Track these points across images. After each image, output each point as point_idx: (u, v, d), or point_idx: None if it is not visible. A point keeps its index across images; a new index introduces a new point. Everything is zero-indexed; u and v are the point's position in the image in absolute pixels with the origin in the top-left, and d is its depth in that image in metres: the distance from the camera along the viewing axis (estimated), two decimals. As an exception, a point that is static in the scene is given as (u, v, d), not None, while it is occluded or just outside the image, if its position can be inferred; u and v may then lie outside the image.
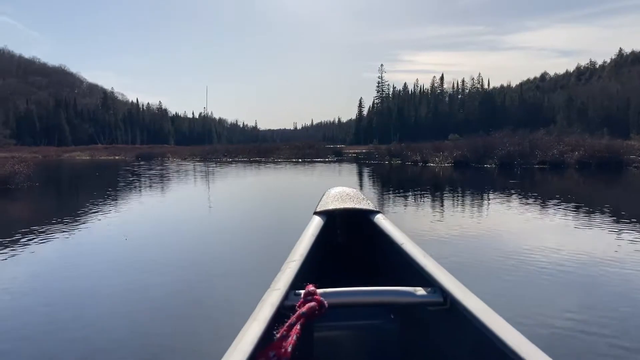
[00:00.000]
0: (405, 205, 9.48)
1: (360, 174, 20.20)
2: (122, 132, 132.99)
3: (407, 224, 7.12)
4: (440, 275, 1.43)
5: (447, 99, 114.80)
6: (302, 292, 1.26)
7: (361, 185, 14.35)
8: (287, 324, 1.09)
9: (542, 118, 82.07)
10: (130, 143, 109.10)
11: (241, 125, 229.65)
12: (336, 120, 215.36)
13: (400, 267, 1.75)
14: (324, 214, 2.24)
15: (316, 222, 2.09)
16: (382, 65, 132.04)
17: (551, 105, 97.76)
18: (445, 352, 1.43)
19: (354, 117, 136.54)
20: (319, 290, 1.27)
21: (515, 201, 10.05)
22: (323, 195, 2.52)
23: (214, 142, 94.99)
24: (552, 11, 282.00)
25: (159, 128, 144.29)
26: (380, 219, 2.14)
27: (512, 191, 11.98)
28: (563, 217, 7.69)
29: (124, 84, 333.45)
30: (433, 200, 10.45)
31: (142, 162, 35.05)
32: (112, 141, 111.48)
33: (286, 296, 1.32)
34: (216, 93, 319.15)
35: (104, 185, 16.44)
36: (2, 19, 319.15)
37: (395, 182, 16.23)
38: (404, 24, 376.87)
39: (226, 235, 6.81)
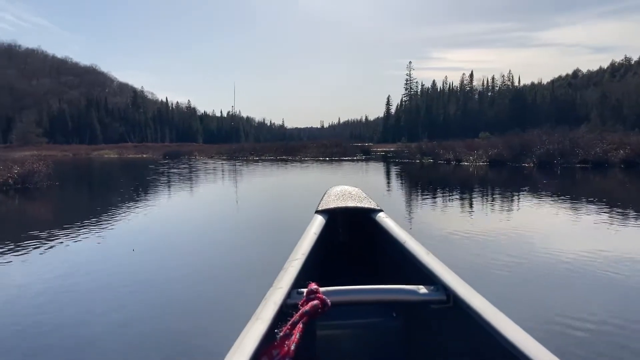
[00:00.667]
0: (441, 207, 8.63)
1: (389, 174, 19.33)
2: (152, 130, 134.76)
3: (443, 227, 6.33)
4: (443, 273, 1.42)
5: (476, 96, 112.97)
6: (305, 290, 1.25)
7: (388, 185, 13.54)
8: (290, 322, 1.11)
9: (574, 115, 79.72)
10: (160, 141, 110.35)
11: (268, 124, 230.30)
12: (363, 118, 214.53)
13: (402, 265, 1.75)
14: (326, 212, 2.23)
15: (318, 221, 2.08)
16: (410, 62, 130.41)
17: (584, 103, 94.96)
18: (449, 350, 1.42)
19: (381, 115, 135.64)
20: (322, 289, 1.26)
21: (559, 202, 9.11)
22: (325, 194, 2.51)
23: (241, 141, 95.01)
24: (584, 6, 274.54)
25: (187, 127, 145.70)
26: (382, 218, 2.13)
27: (555, 192, 11.00)
28: (608, 220, 6.94)
29: (153, 83, 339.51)
30: (470, 201, 9.57)
31: (168, 161, 34.86)
32: (142, 139, 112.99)
33: (289, 295, 1.32)
34: (244, 92, 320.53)
35: (122, 185, 16.02)
36: (36, 20, 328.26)
37: (427, 181, 15.31)
38: (433, 21, 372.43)
39: (245, 234, 6.35)
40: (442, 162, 25.91)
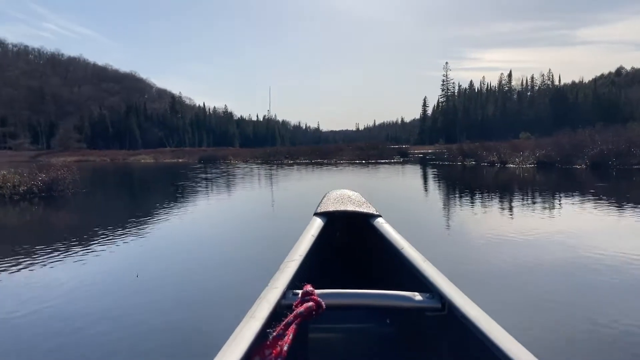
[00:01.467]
0: (492, 214, 7.58)
1: (430, 177, 18.22)
2: (190, 135, 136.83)
3: (497, 234, 5.32)
4: (439, 281, 1.43)
5: (515, 96, 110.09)
6: (300, 291, 1.27)
7: (426, 189, 12.49)
8: (283, 322, 1.11)
9: (619, 114, 75.98)
10: (197, 146, 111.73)
11: (304, 127, 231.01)
12: (399, 120, 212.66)
13: (399, 271, 1.75)
14: (324, 215, 2.22)
15: (316, 223, 2.08)
16: (447, 63, 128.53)
17: (629, 101, 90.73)
18: (442, 358, 1.42)
19: (417, 116, 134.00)
20: (317, 291, 1.27)
21: (622, 208, 7.90)
22: (324, 197, 2.51)
23: (277, 144, 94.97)
24: (628, 3, 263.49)
25: (224, 131, 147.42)
26: (380, 223, 2.13)
27: (613, 195, 9.78)
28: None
29: (191, 89, 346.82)
30: (522, 207, 8.45)
31: (202, 165, 34.59)
32: (180, 144, 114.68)
33: (284, 295, 1.33)
34: (280, 96, 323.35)
35: (148, 191, 15.52)
36: (79, 29, 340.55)
37: (472, 185, 14.16)
38: (469, 21, 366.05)
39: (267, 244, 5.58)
40: (485, 164, 24.57)
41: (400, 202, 10.03)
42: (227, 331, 1.06)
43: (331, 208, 2.29)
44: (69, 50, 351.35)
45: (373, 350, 1.84)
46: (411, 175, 19.22)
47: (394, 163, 30.46)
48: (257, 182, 16.90)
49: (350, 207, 2.29)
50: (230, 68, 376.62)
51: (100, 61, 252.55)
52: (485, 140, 33.12)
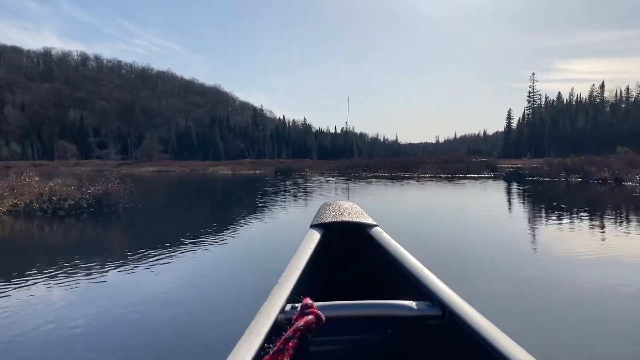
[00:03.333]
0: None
1: (541, 197, 15.46)
2: (269, 147, 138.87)
3: None
4: (439, 288, 1.42)
5: (608, 108, 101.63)
6: (299, 305, 1.25)
7: (548, 215, 9.97)
8: (283, 337, 1.09)
9: None
10: (277, 157, 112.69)
11: (381, 139, 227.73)
12: (481, 132, 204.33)
13: (398, 280, 1.74)
14: (321, 227, 2.21)
15: (313, 235, 2.07)
16: (533, 74, 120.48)
17: None
18: None
19: (501, 129, 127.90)
20: (316, 304, 1.26)
21: None
22: (320, 208, 2.49)
23: (354, 156, 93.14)
24: None
25: (302, 143, 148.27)
26: (377, 232, 2.13)
27: None
28: None
29: (272, 102, 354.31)
30: None
31: (278, 177, 33.33)
32: (260, 155, 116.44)
33: (283, 309, 1.32)
34: (358, 108, 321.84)
35: (210, 206, 14.05)
36: (168, 45, 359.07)
37: (604, 209, 11.40)
38: (556, 30, 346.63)
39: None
40: (594, 181, 21.19)
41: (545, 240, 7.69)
42: (229, 348, 1.03)
43: (328, 219, 2.26)
44: (158, 64, 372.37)
45: None
46: (516, 195, 16.49)
47: (484, 178, 27.48)
48: (329, 197, 14.98)
49: (346, 218, 2.26)
50: (310, 81, 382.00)
51: (187, 75, 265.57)
52: (576, 154, 29.41)
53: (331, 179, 29.01)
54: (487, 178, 27.44)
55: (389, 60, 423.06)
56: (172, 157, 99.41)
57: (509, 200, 14.18)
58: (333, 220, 2.24)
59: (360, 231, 2.23)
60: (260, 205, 12.91)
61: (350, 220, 2.25)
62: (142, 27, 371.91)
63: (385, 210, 11.29)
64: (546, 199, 14.44)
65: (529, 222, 9.08)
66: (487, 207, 12.35)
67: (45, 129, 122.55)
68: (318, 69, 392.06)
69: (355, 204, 2.52)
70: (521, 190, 17.94)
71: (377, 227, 2.21)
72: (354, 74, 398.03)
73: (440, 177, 28.44)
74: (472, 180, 24.80)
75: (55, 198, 9.80)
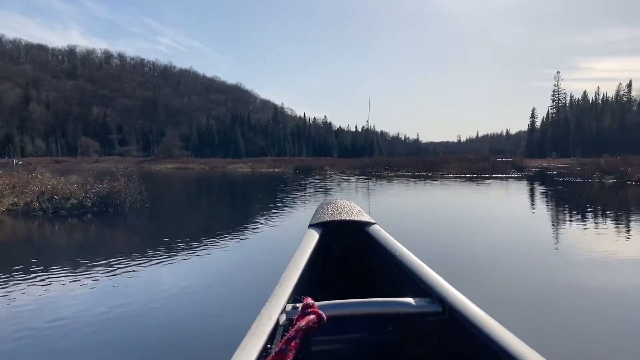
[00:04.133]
0: None
1: (577, 200, 14.41)
2: (290, 145, 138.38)
3: None
4: (438, 285, 1.42)
5: (635, 107, 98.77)
6: (300, 305, 1.24)
7: (593, 219, 9.00)
8: (285, 337, 1.09)
9: None
10: (297, 155, 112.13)
11: (402, 138, 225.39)
12: (504, 131, 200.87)
13: (398, 277, 1.75)
14: (320, 226, 2.20)
15: (312, 235, 2.06)
16: (558, 72, 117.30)
17: None
18: None
19: (524, 128, 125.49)
20: (317, 303, 1.25)
21: None
22: (318, 207, 2.49)
23: (375, 155, 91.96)
24: None
25: (323, 141, 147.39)
26: (376, 230, 2.12)
27: None
28: None
29: (293, 100, 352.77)
30: None
31: (297, 175, 32.60)
32: (280, 153, 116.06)
33: (284, 310, 1.32)
34: (379, 106, 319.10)
35: (222, 206, 13.34)
36: (190, 43, 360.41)
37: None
38: (580, 29, 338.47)
39: None
40: (632, 182, 19.94)
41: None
42: (231, 349, 1.03)
43: (326, 218, 2.24)
44: (181, 62, 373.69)
45: (377, 359, 1.80)
46: (553, 198, 15.43)
47: (512, 178, 26.31)
48: (350, 197, 14.15)
49: (345, 217, 2.25)
50: (332, 80, 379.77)
51: (209, 73, 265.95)
52: (603, 154, 28.21)
53: (351, 178, 28.16)
54: (515, 178, 26.24)
55: (411, 58, 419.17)
56: (193, 155, 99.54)
57: (547, 204, 13.16)
58: (331, 219, 2.23)
59: (358, 229, 2.23)
60: (272, 205, 12.16)
61: (349, 218, 2.23)
62: (165, 25, 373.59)
63: (416, 216, 10.43)
64: (586, 202, 13.38)
65: (580, 229, 8.14)
66: (527, 214, 11.39)
67: (70, 126, 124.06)
68: (339, 68, 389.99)
69: (353, 203, 2.50)
70: (555, 192, 16.85)
71: (376, 224, 2.20)
72: (375, 73, 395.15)
73: (466, 177, 27.34)
74: (499, 181, 23.70)
75: (57, 197, 9.17)
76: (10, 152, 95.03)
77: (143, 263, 5.22)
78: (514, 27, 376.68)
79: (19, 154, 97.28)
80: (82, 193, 9.42)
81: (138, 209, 10.01)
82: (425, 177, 27.23)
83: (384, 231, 2.09)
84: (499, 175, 29.48)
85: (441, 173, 31.56)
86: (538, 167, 42.88)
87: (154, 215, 9.90)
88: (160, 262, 5.24)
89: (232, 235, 7.16)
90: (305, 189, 18.61)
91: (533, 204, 12.81)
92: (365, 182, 23.08)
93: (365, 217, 2.28)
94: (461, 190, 17.99)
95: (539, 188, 19.05)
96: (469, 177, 26.93)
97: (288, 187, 19.38)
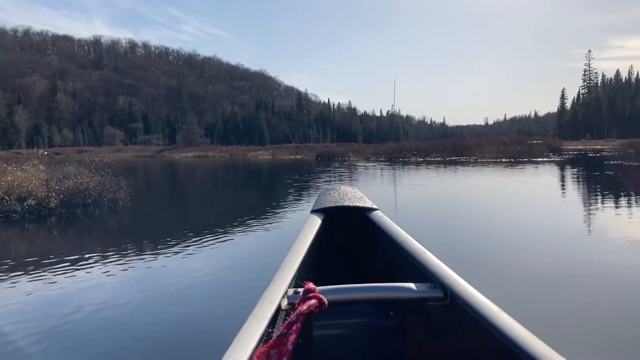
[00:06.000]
0: None
1: None
2: (314, 131, 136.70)
3: None
4: (440, 270, 1.42)
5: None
6: (302, 290, 1.26)
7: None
8: (287, 322, 1.10)
9: None
10: (321, 141, 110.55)
11: (428, 122, 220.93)
12: (532, 114, 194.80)
13: (399, 263, 1.76)
14: (322, 212, 2.20)
15: (314, 221, 2.06)
16: (589, 51, 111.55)
17: None
18: (447, 347, 1.42)
19: (552, 110, 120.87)
20: (319, 288, 1.26)
21: None
22: (320, 194, 2.51)
23: (400, 140, 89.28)
24: None
25: (347, 127, 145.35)
26: (378, 216, 2.12)
27: None
28: None
29: (317, 86, 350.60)
30: None
31: (320, 163, 30.75)
32: (305, 140, 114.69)
33: (286, 294, 1.32)
34: (404, 90, 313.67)
35: (219, 205, 11.54)
36: (213, 31, 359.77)
37: None
38: (611, 6, 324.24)
39: None
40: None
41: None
42: (233, 333, 1.03)
43: (328, 204, 2.25)
44: (205, 50, 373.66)
45: (378, 344, 1.83)
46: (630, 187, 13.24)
47: (552, 162, 23.91)
48: (376, 190, 12.18)
49: (347, 202, 2.25)
50: (356, 64, 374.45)
51: (233, 61, 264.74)
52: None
53: (378, 165, 26.04)
54: (557, 163, 23.82)
55: (436, 40, 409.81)
56: (218, 142, 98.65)
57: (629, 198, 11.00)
58: (333, 205, 2.23)
59: (361, 215, 2.23)
60: (276, 204, 10.33)
61: (351, 204, 2.23)
62: (188, 14, 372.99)
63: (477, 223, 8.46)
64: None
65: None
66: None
67: (96, 116, 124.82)
68: (363, 52, 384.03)
69: (355, 189, 2.49)
70: (619, 177, 14.59)
71: (378, 210, 2.19)
72: (400, 57, 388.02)
73: (502, 162, 25.04)
74: (539, 165, 21.42)
75: (13, 196, 7.48)
76: (39, 142, 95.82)
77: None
78: (539, 7, 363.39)
79: (46, 145, 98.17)
80: (44, 192, 7.71)
81: (117, 209, 8.30)
82: (458, 163, 25.01)
83: (386, 217, 2.07)
84: (538, 159, 27.07)
85: (475, 158, 29.20)
86: (576, 150, 40.12)
87: (134, 218, 8.13)
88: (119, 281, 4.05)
89: (210, 240, 5.40)
90: (324, 179, 16.73)
91: (617, 201, 10.66)
92: (389, 170, 21.05)
93: (367, 203, 2.26)
94: (508, 177, 15.87)
95: (598, 175, 16.72)
96: (506, 162, 24.63)
97: (304, 178, 17.52)
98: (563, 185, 13.06)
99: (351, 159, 35.00)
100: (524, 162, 23.95)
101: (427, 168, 21.60)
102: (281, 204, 9.69)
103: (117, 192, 8.56)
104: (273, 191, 13.24)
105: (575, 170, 18.80)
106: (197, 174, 24.91)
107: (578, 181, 14.18)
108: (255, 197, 12.54)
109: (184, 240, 5.86)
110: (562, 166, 21.08)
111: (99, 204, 8.21)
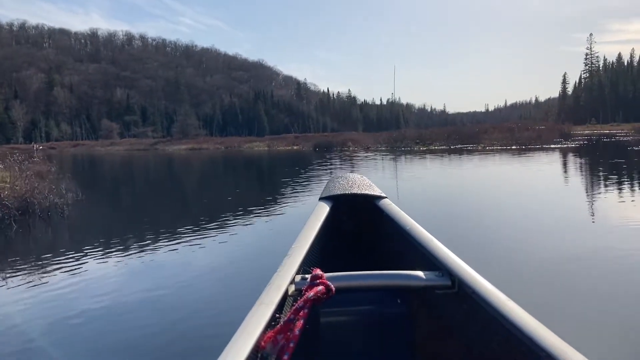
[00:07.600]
0: None
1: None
2: (314, 120, 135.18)
3: None
4: (448, 258, 1.41)
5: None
6: (309, 276, 1.26)
7: None
8: (294, 307, 1.10)
9: None
10: (321, 131, 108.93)
11: (429, 110, 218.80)
12: (533, 99, 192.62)
13: (407, 251, 1.75)
14: (330, 199, 2.21)
15: (322, 208, 2.07)
16: (591, 34, 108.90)
17: None
18: (454, 335, 1.41)
19: (554, 95, 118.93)
20: (326, 275, 1.27)
21: None
22: (329, 181, 2.52)
23: (401, 128, 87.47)
24: None
25: (347, 115, 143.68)
26: (386, 204, 2.12)
27: None
28: None
29: (316, 75, 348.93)
30: None
31: (317, 153, 29.11)
32: (305, 130, 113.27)
33: (293, 280, 1.32)
34: (404, 78, 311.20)
35: (183, 210, 9.93)
36: (211, 22, 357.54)
37: None
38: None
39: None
40: None
41: None
42: (239, 319, 1.04)
43: (336, 192, 2.25)
44: (202, 41, 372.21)
45: (384, 331, 1.84)
46: None
47: (567, 149, 22.23)
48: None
49: (355, 190, 2.25)
50: (354, 53, 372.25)
51: (231, 51, 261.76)
52: None
53: (379, 155, 24.33)
54: (572, 149, 22.12)
55: (435, 27, 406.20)
56: (217, 133, 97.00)
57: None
58: (342, 192, 2.23)
59: (369, 203, 2.23)
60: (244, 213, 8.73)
61: (359, 192, 2.23)
62: (185, 5, 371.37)
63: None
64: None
65: None
66: None
67: (94, 109, 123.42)
68: (362, 41, 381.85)
69: (364, 177, 2.48)
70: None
71: (386, 198, 2.20)
72: (399, 44, 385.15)
73: (511, 149, 23.38)
74: (553, 152, 19.78)
75: None
76: (36, 137, 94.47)
77: None
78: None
79: (44, 139, 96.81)
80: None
81: (53, 220, 6.71)
82: (464, 151, 23.35)
83: (394, 205, 2.07)
84: (551, 145, 25.41)
85: (482, 145, 27.51)
86: (586, 135, 38.45)
87: (69, 233, 6.52)
88: None
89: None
90: (318, 175, 15.12)
91: None
92: (390, 161, 19.39)
93: (376, 191, 2.25)
94: (524, 167, 14.25)
95: (618, 160, 15.06)
96: (515, 150, 22.96)
97: (293, 175, 15.92)
98: (620, 181, 11.44)
99: (351, 149, 33.33)
100: (536, 149, 22.30)
101: (432, 158, 19.93)
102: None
103: (53, 198, 6.94)
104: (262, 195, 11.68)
105: (588, 156, 17.16)
106: (179, 168, 23.31)
107: (620, 174, 12.55)
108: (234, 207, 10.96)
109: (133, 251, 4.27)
110: (581, 153, 19.35)
111: (32, 212, 6.61)
